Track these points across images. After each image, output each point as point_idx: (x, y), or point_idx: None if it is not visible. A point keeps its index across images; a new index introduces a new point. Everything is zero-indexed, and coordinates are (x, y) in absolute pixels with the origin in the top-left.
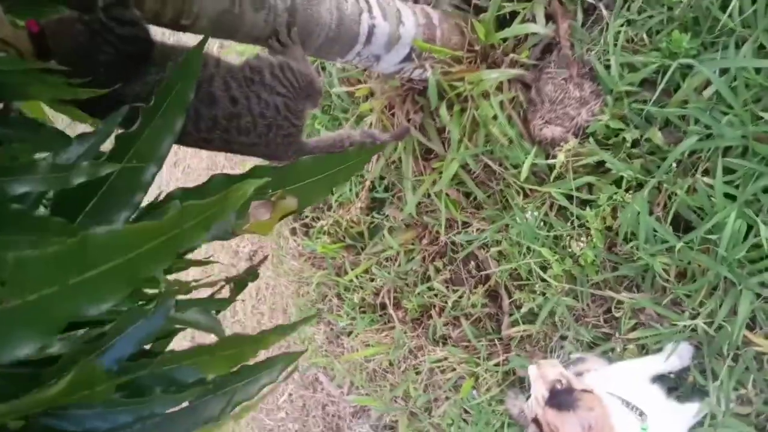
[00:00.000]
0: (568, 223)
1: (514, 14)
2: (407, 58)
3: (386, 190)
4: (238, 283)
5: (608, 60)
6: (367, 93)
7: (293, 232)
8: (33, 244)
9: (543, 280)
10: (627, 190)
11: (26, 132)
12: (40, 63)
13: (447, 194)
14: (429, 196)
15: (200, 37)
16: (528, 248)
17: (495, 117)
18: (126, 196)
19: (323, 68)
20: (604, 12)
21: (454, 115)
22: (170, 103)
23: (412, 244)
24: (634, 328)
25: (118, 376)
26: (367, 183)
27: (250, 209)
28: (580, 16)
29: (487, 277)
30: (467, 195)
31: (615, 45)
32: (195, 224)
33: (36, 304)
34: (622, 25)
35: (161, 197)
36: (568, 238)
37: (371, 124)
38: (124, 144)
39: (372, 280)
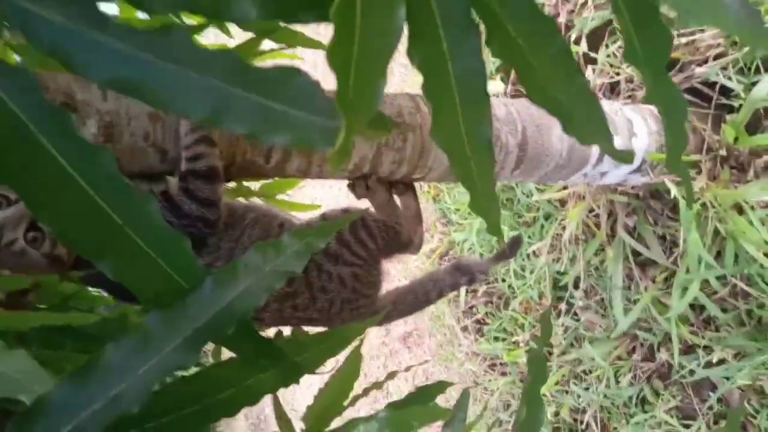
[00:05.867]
0: None
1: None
2: (637, 170)
3: (585, 294)
4: None
5: None
6: (565, 196)
7: (465, 329)
8: None
9: None
10: None
11: None
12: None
13: None
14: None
15: None
16: None
17: (758, 237)
18: None
19: None
20: None
21: (693, 228)
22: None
23: (619, 358)
24: None
25: None
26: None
27: None
28: None
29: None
30: (692, 306)
31: None
32: None
33: None
34: None
35: None
36: None
37: (571, 228)
38: None
39: (566, 392)
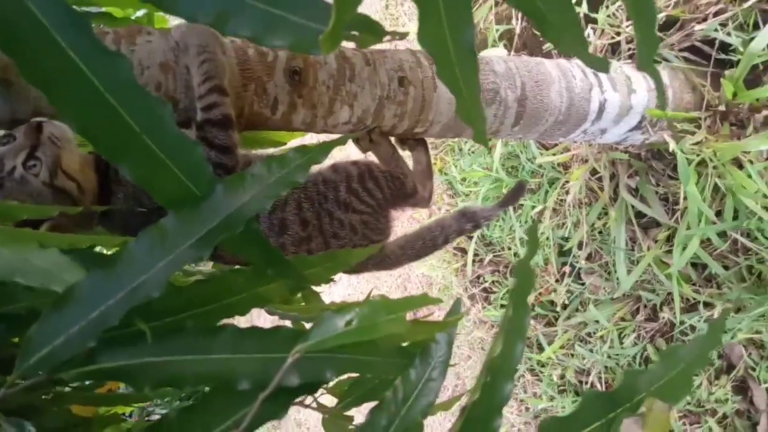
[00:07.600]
0: None
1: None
2: (636, 127)
3: (589, 258)
4: None
5: None
6: (567, 160)
7: (472, 297)
8: None
9: None
10: None
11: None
12: (97, 207)
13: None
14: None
15: None
16: None
17: (756, 190)
18: (487, 422)
19: None
20: None
21: (692, 181)
22: (516, 304)
23: (623, 319)
24: None
25: None
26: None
27: (621, 429)
28: None
29: (731, 366)
30: (694, 265)
31: None
32: None
33: None
34: None
35: None
36: None
37: (575, 191)
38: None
39: (572, 355)
